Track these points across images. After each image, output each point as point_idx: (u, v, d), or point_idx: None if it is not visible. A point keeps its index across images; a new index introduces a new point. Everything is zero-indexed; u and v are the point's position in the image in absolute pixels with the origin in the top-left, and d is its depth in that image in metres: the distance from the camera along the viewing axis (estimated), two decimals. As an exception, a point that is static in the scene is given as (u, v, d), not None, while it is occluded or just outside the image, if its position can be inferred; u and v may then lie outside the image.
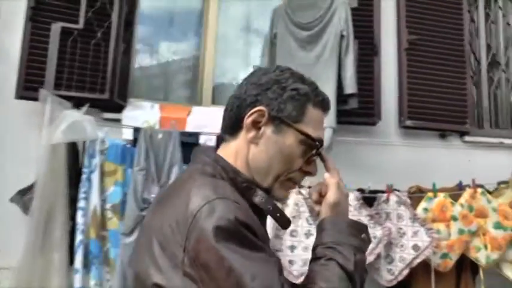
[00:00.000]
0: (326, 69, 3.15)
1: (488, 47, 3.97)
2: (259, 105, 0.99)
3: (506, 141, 3.70)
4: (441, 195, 3.10)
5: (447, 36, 3.62)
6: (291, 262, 2.85)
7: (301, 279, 2.77)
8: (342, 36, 3.17)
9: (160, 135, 2.93)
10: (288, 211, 2.89)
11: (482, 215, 3.15)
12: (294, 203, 2.91)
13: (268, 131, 1.00)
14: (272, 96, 1.00)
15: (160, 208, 0.96)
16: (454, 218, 3.06)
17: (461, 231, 3.06)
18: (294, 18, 3.27)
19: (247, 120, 0.99)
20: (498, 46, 4.02)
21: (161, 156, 2.89)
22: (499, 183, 3.25)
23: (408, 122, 3.42)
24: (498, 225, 3.12)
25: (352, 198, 2.96)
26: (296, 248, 2.87)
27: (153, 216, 0.98)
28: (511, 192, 3.24)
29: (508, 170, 3.42)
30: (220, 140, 1.07)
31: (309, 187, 2.84)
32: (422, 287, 3.11)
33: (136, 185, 2.80)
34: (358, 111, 3.24)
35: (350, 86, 3.10)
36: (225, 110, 1.05)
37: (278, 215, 0.99)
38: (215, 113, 3.21)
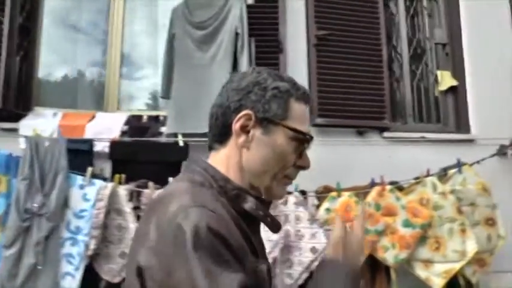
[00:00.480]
0: (221, 69, 3.10)
1: (410, 40, 3.85)
2: (245, 110, 1.00)
3: (429, 135, 3.58)
4: (346, 195, 3.00)
5: (362, 31, 3.54)
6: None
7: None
8: (237, 34, 3.09)
9: (47, 143, 2.88)
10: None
11: (390, 213, 3.04)
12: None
13: (257, 133, 1.01)
14: (255, 99, 1.01)
15: (147, 217, 0.95)
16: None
17: (366, 231, 2.95)
18: (191, 18, 3.22)
19: (236, 126, 1.00)
20: (421, 39, 3.90)
21: (47, 165, 2.83)
22: (416, 180, 3.13)
23: (319, 120, 3.33)
24: (407, 223, 3.01)
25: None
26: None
27: (140, 225, 0.98)
28: (422, 189, 3.12)
29: (430, 165, 3.32)
30: (209, 149, 1.08)
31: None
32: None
33: (19, 195, 2.75)
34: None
35: (245, 85, 3.01)
36: (210, 120, 1.06)
37: (269, 219, 1.01)
38: (118, 119, 3.17)
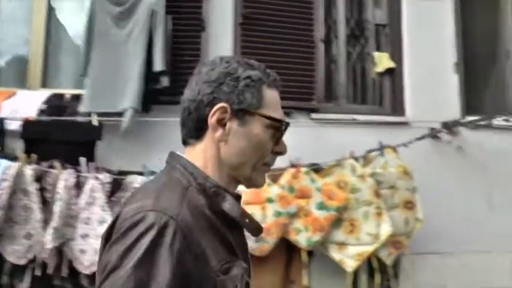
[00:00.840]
0: (136, 46, 3.07)
1: (348, 20, 3.79)
2: (219, 102, 0.99)
3: (361, 117, 3.54)
4: (258, 176, 2.97)
5: (294, 10, 3.50)
6: (82, 251, 2.77)
7: (93, 269, 2.70)
8: (153, 12, 3.05)
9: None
10: (84, 197, 2.80)
11: (304, 195, 3.03)
12: (90, 188, 2.81)
13: (233, 125, 1.00)
14: (228, 90, 1.00)
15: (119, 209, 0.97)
16: (270, 200, 2.95)
17: (278, 214, 2.95)
18: (110, -6, 3.16)
19: (212, 120, 0.99)
20: (361, 20, 3.83)
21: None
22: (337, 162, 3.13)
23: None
24: (322, 206, 3.01)
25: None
26: (89, 236, 2.78)
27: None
28: (341, 171, 3.10)
29: (361, 147, 3.31)
30: (184, 144, 1.07)
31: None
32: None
33: None
34: (184, 90, 3.13)
35: (158, 63, 3.00)
36: (182, 115, 1.04)
37: (246, 220, 1.00)
38: (38, 97, 3.15)
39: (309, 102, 3.45)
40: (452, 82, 3.85)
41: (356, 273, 3.20)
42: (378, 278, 3.11)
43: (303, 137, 3.43)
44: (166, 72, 3.01)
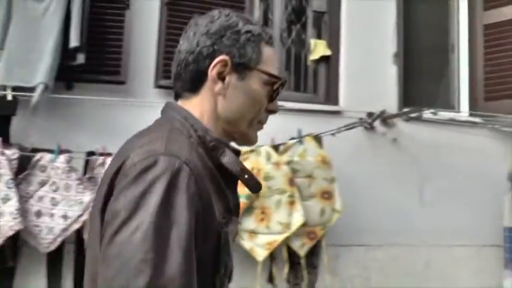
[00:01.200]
0: (53, 20, 3.02)
1: (286, 6, 3.74)
2: (219, 55, 0.97)
3: (291, 105, 3.51)
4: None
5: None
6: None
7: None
8: (72, -14, 3.00)
9: None
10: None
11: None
12: (-6, 164, 2.79)
13: (233, 79, 0.98)
14: (229, 43, 0.98)
15: (117, 158, 0.93)
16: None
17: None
18: (29, -34, 3.10)
19: (212, 73, 0.97)
20: (299, 6, 3.78)
21: None
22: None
23: (163, 82, 3.27)
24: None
25: (62, 160, 2.85)
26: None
27: (110, 165, 0.94)
28: (256, 158, 3.09)
29: (289, 135, 3.29)
30: (176, 97, 1.04)
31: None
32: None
33: None
34: (105, 68, 3.11)
35: (73, 39, 2.96)
36: (178, 67, 1.01)
37: (246, 176, 0.99)
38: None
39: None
40: (391, 73, 3.82)
41: (272, 262, 3.20)
42: (286, 268, 3.11)
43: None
44: (82, 49, 2.96)
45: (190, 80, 1.00)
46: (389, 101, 3.77)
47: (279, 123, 3.42)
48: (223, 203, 0.93)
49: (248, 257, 3.10)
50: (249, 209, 3.04)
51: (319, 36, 3.82)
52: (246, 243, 3.05)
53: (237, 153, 1.01)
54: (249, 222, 3.05)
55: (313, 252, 3.26)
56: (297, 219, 3.02)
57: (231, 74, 0.98)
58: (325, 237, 3.23)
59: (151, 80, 3.33)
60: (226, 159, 0.96)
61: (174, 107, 1.02)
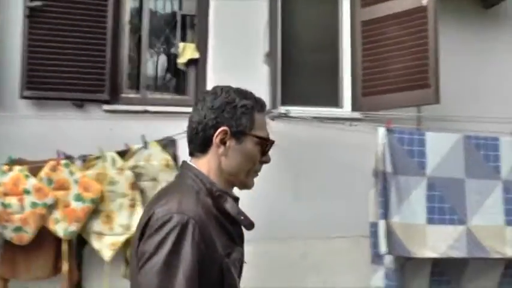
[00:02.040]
0: None
1: (155, 10, 3.92)
2: (221, 126, 1.35)
3: (154, 108, 3.73)
4: (16, 169, 3.24)
5: (85, 2, 3.63)
6: None
7: None
8: None
9: None
10: None
11: (63, 187, 3.29)
12: None
13: (232, 143, 1.36)
14: (228, 116, 1.36)
15: (147, 209, 1.34)
16: (27, 192, 3.21)
17: (34, 205, 3.22)
18: None
19: (216, 140, 1.36)
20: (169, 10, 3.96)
21: None
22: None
23: (27, 93, 3.53)
24: (78, 198, 3.27)
25: None
26: None
27: (144, 213, 1.35)
28: (103, 164, 3.33)
29: (154, 138, 3.51)
30: (191, 155, 1.43)
31: None
32: (7, 265, 3.31)
33: None
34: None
35: None
36: (191, 133, 1.40)
37: (242, 218, 1.37)
38: None
39: (99, 94, 3.64)
40: (262, 73, 3.94)
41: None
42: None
43: (95, 129, 3.67)
44: None
45: (200, 144, 1.38)
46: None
47: (148, 126, 3.69)
48: (227, 237, 1.32)
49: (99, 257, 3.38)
50: (96, 212, 3.31)
51: (187, 39, 3.97)
52: (96, 244, 3.33)
53: (236, 199, 1.40)
54: (96, 225, 3.33)
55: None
56: (136, 221, 3.25)
57: (231, 139, 1.36)
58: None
59: (17, 91, 3.56)
60: (228, 205, 1.34)
61: (188, 166, 1.40)
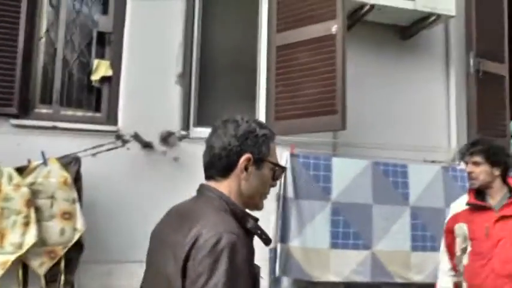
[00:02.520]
0: None
1: (69, 26, 3.95)
2: (245, 153, 1.46)
3: (62, 124, 3.72)
4: None
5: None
6: None
7: None
8: None
9: None
10: None
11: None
12: None
13: (252, 169, 1.49)
14: (251, 144, 1.48)
15: (178, 226, 1.40)
16: None
17: None
18: None
19: (241, 166, 1.47)
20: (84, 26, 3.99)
21: None
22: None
23: None
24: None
25: None
26: None
27: (167, 230, 1.47)
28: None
29: (56, 154, 3.47)
30: (209, 178, 1.52)
31: None
32: None
33: None
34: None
35: None
36: (212, 158, 1.49)
37: (263, 236, 1.49)
38: None
39: (7, 108, 3.61)
40: (175, 93, 3.99)
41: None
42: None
43: (2, 143, 3.62)
44: None
45: (223, 169, 1.48)
46: (172, 121, 3.95)
47: (55, 142, 3.66)
48: (252, 254, 1.42)
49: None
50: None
51: (103, 56, 4.00)
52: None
53: (256, 220, 1.48)
54: (-9, 243, 3.25)
55: (70, 270, 3.44)
56: (29, 239, 3.22)
57: (252, 165, 1.48)
58: (97, 253, 3.41)
59: None
60: (250, 225, 1.44)
61: (209, 188, 1.50)
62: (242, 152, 1.46)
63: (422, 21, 4.50)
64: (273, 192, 3.66)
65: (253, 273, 1.40)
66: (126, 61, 3.97)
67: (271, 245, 3.65)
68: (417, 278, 3.94)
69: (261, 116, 4.27)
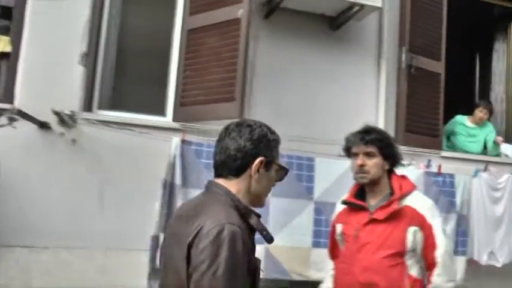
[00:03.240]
0: None
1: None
2: (259, 156, 1.58)
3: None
4: None
5: None
6: None
7: None
8: None
9: None
10: None
11: None
12: None
13: (263, 171, 1.61)
14: (264, 148, 1.60)
15: (187, 220, 1.50)
16: None
17: None
18: None
19: (255, 168, 1.59)
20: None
21: None
22: None
23: None
24: None
25: None
26: None
27: (178, 224, 1.56)
28: None
29: None
30: (219, 175, 1.63)
31: None
32: None
33: None
34: None
35: None
36: (226, 158, 1.60)
37: (264, 232, 1.59)
38: None
39: None
40: (77, 74, 3.84)
41: None
42: None
43: None
44: None
45: (236, 169, 1.59)
46: (74, 102, 3.80)
47: None
48: (253, 247, 1.56)
49: None
50: None
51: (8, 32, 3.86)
52: None
53: (259, 216, 1.60)
54: None
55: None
56: None
57: (263, 167, 1.60)
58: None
59: None
60: (253, 221, 1.56)
61: (217, 184, 1.61)
62: (256, 154, 1.58)
63: (348, 11, 4.29)
64: (160, 178, 3.51)
65: (254, 265, 1.52)
66: (27, 37, 3.84)
67: (153, 233, 3.50)
68: (317, 276, 3.76)
69: (170, 101, 4.11)
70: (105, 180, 3.83)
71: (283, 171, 1.70)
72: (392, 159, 2.56)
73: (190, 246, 1.40)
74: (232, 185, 1.59)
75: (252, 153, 1.58)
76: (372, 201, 2.55)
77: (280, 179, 1.71)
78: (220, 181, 1.61)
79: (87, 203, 3.80)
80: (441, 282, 2.41)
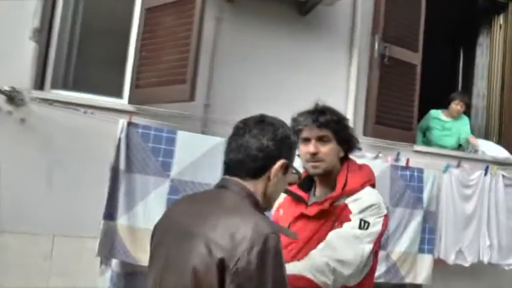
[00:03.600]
0: None
1: None
2: (281, 158, 1.47)
3: None
4: None
5: None
6: None
7: None
8: None
9: None
10: None
11: None
12: None
13: (280, 173, 1.49)
14: (285, 149, 1.49)
15: (206, 220, 1.34)
16: None
17: None
18: None
19: (275, 171, 1.47)
20: None
21: None
22: None
23: None
24: None
25: None
26: None
27: (201, 223, 1.34)
28: None
29: None
30: (232, 174, 1.49)
31: None
32: None
33: None
34: None
35: None
36: (245, 157, 1.45)
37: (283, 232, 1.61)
38: None
39: None
40: (28, 50, 3.67)
41: None
42: None
43: None
44: None
45: (255, 170, 1.46)
46: (24, 80, 3.64)
47: None
48: None
49: None
50: None
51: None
52: None
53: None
54: None
55: None
56: None
57: (283, 170, 1.49)
58: None
59: None
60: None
61: (236, 183, 1.46)
62: (278, 156, 1.46)
63: (314, -5, 4.10)
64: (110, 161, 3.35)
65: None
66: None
67: (102, 218, 3.33)
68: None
69: (127, 83, 3.94)
70: (54, 162, 3.67)
71: (296, 176, 1.63)
72: (347, 144, 2.10)
73: (229, 259, 1.23)
74: (249, 185, 1.46)
75: (273, 154, 1.46)
76: (318, 194, 2.13)
77: (293, 183, 1.66)
78: (236, 180, 1.46)
79: (35, 185, 3.65)
80: (317, 253, 1.88)
